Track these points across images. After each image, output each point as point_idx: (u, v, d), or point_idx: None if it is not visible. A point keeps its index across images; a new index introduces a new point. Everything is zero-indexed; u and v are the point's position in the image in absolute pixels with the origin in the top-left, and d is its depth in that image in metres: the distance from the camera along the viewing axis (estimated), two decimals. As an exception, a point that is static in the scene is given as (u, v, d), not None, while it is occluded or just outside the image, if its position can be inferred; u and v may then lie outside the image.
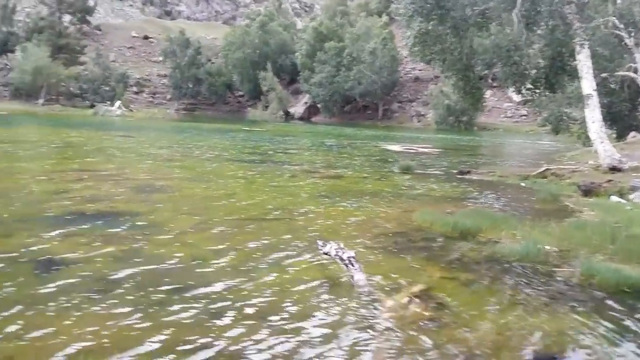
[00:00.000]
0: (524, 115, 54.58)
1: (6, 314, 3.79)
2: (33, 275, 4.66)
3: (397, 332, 3.80)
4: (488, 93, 49.80)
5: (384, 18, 60.64)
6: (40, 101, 53.42)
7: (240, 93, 70.45)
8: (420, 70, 64.90)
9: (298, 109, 63.88)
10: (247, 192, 9.92)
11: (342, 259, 4.89)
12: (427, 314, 4.06)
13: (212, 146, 20.32)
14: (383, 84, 57.82)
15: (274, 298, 4.34)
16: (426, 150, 22.85)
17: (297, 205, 8.52)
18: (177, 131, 30.58)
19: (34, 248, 5.42)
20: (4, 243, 5.53)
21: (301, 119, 61.43)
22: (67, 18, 70.76)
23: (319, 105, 61.51)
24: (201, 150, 18.27)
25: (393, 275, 5.00)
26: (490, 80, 20.96)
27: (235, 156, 16.92)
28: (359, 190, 10.55)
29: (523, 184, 12.46)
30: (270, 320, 3.89)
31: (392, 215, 7.99)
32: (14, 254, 5.15)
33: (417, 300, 4.25)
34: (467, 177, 13.55)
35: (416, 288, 4.53)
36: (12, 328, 3.58)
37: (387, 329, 3.84)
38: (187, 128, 33.47)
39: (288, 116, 61.68)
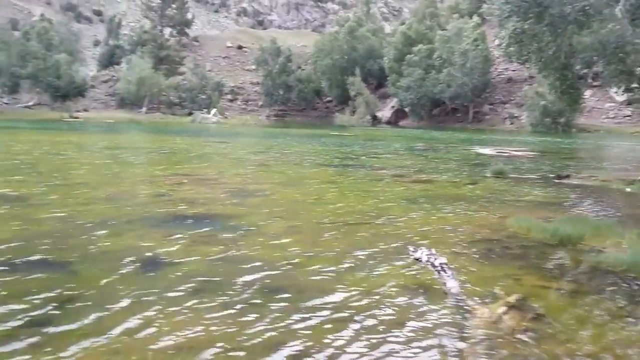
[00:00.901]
0: (627, 116, 50.90)
1: (114, 309, 4.09)
2: (139, 273, 4.98)
3: (493, 343, 3.68)
4: (587, 93, 47.00)
5: (476, 19, 59.04)
6: (143, 110, 57.02)
7: (329, 99, 71.30)
8: (513, 70, 62.48)
9: (385, 113, 63.62)
10: (337, 197, 10.01)
11: (434, 266, 4.82)
12: (525, 324, 3.90)
13: (302, 151, 20.73)
14: (474, 85, 56.26)
15: (364, 303, 4.35)
16: (520, 153, 21.93)
17: (387, 210, 8.48)
18: (269, 137, 31.46)
19: (140, 248, 5.78)
20: (114, 242, 5.96)
21: (388, 123, 61.12)
22: (167, 31, 75.13)
23: (406, 109, 60.92)
24: (292, 155, 18.69)
25: (487, 284, 4.85)
26: (590, 80, 19.81)
27: (325, 161, 17.14)
28: (450, 195, 10.32)
29: (629, 190, 11.62)
30: (361, 325, 3.90)
31: (485, 221, 7.75)
32: (123, 253, 5.53)
33: (513, 310, 4.09)
34: (565, 181, 12.85)
35: (512, 297, 4.36)
36: (119, 323, 3.84)
37: (482, 339, 3.73)
38: (278, 134, 34.35)
39: (375, 120, 61.59)
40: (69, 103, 54.07)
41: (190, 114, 55.75)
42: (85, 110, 55.59)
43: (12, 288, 4.42)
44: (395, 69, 60.57)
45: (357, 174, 13.50)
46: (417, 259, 5.08)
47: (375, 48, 67.29)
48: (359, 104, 61.73)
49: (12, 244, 5.70)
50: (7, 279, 4.65)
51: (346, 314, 4.10)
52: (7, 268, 4.91)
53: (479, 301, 4.37)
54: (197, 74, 63.33)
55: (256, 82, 71.47)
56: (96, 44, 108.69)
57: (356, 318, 4.03)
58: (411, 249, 5.31)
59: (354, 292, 4.57)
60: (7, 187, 9.48)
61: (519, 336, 3.75)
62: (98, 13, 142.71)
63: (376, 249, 6.00)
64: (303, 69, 70.87)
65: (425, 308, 4.28)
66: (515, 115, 55.86)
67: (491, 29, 60.38)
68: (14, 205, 7.82)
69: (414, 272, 5.15)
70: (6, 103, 57.20)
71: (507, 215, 8.09)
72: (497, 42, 59.49)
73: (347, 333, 3.76)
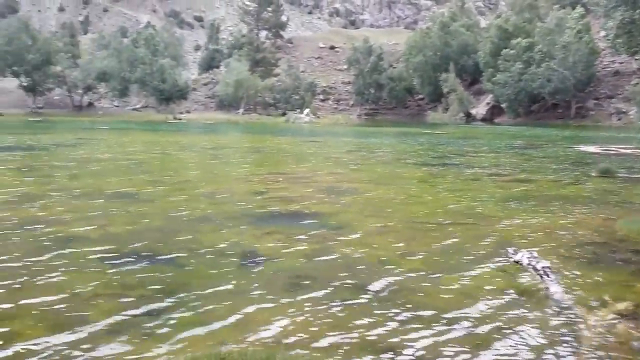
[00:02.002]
0: None
1: (217, 301, 4.28)
2: (240, 267, 5.18)
3: (603, 353, 3.46)
4: None
5: (579, 9, 55.56)
6: (240, 111, 59.19)
7: (420, 96, 70.19)
8: (620, 63, 58.14)
9: (480, 110, 61.57)
10: (430, 196, 9.85)
11: (535, 269, 4.61)
12: (638, 334, 3.63)
13: (394, 150, 20.59)
14: (577, 79, 52.96)
15: (460, 305, 4.25)
16: (629, 151, 20.37)
17: (483, 210, 8.22)
18: (360, 136, 31.52)
19: (240, 243, 6.02)
20: (215, 238, 6.25)
21: (483, 120, 59.08)
22: (263, 34, 77.45)
23: (502, 106, 58.57)
24: (383, 153, 18.62)
25: (595, 290, 4.56)
26: None
27: (416, 159, 16.91)
28: (550, 195, 9.81)
29: None
30: (456, 328, 3.81)
31: (591, 224, 7.28)
32: (224, 248, 5.79)
33: (625, 318, 3.82)
34: (684, 182, 11.78)
35: (623, 305, 4.08)
36: (221, 315, 4.02)
37: (591, 348, 3.51)
38: (369, 132, 34.32)
39: (469, 118, 59.78)
40: (172, 105, 57.32)
41: (284, 114, 57.18)
42: (188, 112, 58.66)
43: (124, 279, 4.76)
44: (491, 64, 58.46)
45: (451, 173, 13.20)
46: (517, 262, 4.88)
47: (469, 43, 65.33)
48: (452, 101, 60.22)
49: (124, 238, 6.14)
50: (120, 270, 5.01)
51: (443, 317, 4.02)
52: (119, 260, 5.30)
53: (586, 308, 4.12)
54: (290, 75, 64.78)
55: (347, 81, 71.85)
56: (197, 48, 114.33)
57: (451, 320, 3.95)
58: (510, 251, 5.11)
59: (450, 295, 4.49)
60: (119, 185, 10.22)
61: (632, 346, 3.50)
62: (199, 19, 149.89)
63: (472, 251, 5.84)
64: (395, 67, 70.28)
65: (526, 314, 4.10)
66: (623, 110, 51.91)
67: (596, 20, 56.66)
68: (125, 202, 8.42)
69: (513, 276, 4.95)
70: (117, 106, 61.66)
71: (615, 217, 7.57)
72: (602, 33, 55.82)
73: (442, 335, 3.70)
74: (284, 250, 5.72)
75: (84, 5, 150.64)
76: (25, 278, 4.66)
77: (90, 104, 59.12)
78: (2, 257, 5.26)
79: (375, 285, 4.65)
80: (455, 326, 3.85)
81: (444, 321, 3.93)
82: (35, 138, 23.08)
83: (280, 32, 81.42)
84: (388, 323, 3.88)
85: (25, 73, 54.99)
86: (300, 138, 28.18)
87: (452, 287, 4.67)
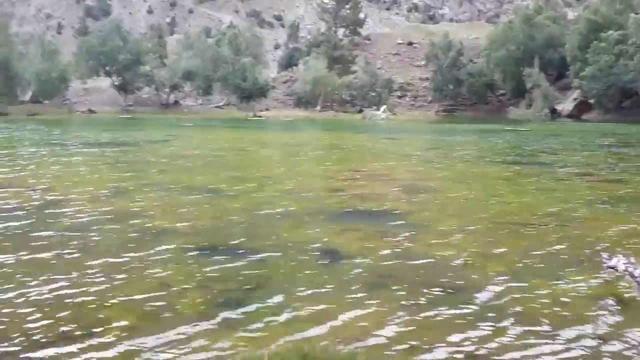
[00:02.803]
0: None
1: (297, 295, 4.35)
2: (318, 263, 5.24)
3: None
4: None
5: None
6: (318, 108, 59.72)
7: (502, 92, 67.65)
8: None
9: (566, 106, 58.46)
10: (513, 195, 9.50)
11: (633, 276, 4.34)
12: None
13: (475, 147, 20.03)
14: (678, 73, 49.01)
15: (549, 311, 4.06)
16: None
17: (570, 211, 7.83)
18: (439, 133, 30.91)
19: (319, 239, 6.08)
20: (295, 234, 6.36)
21: (569, 116, 56.08)
22: (341, 31, 77.69)
23: (591, 101, 55.27)
24: (462, 151, 18.15)
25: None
26: None
27: (497, 157, 16.36)
28: (648, 198, 9.19)
29: None
30: (546, 334, 3.66)
31: (696, 229, 6.76)
32: (303, 244, 5.87)
33: None
34: None
35: None
36: (301, 309, 4.08)
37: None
38: (448, 129, 33.59)
39: (554, 114, 56.93)
40: (253, 103, 58.75)
41: (360, 111, 57.09)
42: (267, 109, 59.89)
43: (211, 272, 4.93)
44: (578, 58, 55.29)
45: (537, 172, 12.66)
46: (611, 268, 4.61)
47: (555, 36, 62.11)
48: (535, 96, 57.57)
49: (211, 232, 6.38)
50: (207, 263, 5.19)
51: (531, 326, 3.84)
52: (206, 254, 5.50)
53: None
54: (367, 71, 64.52)
55: (425, 77, 70.54)
56: (276, 47, 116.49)
57: (540, 325, 3.79)
58: (605, 256, 4.83)
59: (537, 300, 4.30)
60: (205, 181, 10.62)
61: None
62: (278, 18, 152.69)
63: (561, 254, 5.58)
64: (475, 62, 68.16)
65: (623, 323, 3.86)
66: None
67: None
68: (211, 197, 8.75)
69: (606, 282, 4.69)
70: (200, 104, 64.00)
71: None
72: None
73: (529, 339, 3.55)
74: (364, 249, 5.72)
75: (171, 7, 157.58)
76: (121, 269, 4.94)
77: (176, 102, 61.74)
78: (99, 249, 5.62)
79: (459, 288, 4.55)
80: (542, 330, 3.69)
81: (533, 329, 3.77)
82: (126, 135, 24.45)
83: (358, 29, 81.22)
84: (473, 328, 3.77)
85: (117, 73, 58.24)
86: (377, 135, 28.04)
87: (542, 293, 4.46)
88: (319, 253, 5.54)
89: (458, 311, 4.03)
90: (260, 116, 51.90)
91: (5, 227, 6.37)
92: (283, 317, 3.91)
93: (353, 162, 15.14)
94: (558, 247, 5.85)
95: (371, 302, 4.22)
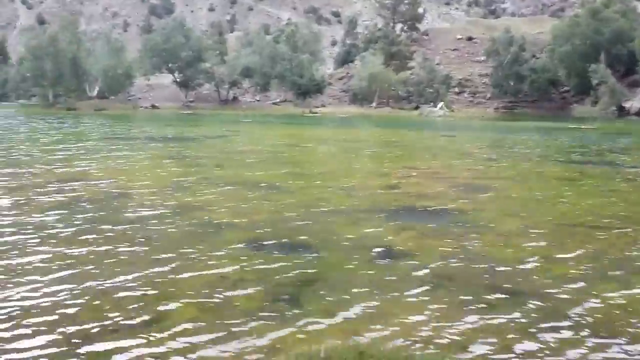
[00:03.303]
0: None
1: (351, 294, 4.33)
2: (374, 262, 5.21)
3: None
4: None
5: None
6: (373, 104, 59.42)
7: (565, 89, 65.08)
8: None
9: (635, 103, 55.52)
10: (577, 196, 9.13)
11: None
12: None
13: (536, 145, 19.38)
14: None
15: (623, 322, 3.86)
16: None
17: (641, 215, 7.46)
18: (498, 130, 30.10)
19: (374, 237, 6.06)
20: (350, 231, 6.35)
21: (638, 114, 53.31)
22: (399, 27, 76.90)
23: (664, 99, 52.28)
24: (523, 149, 17.61)
25: None
26: None
27: (561, 156, 15.77)
28: None
29: None
30: (618, 347, 3.49)
31: None
32: (358, 241, 5.86)
33: None
34: None
35: None
36: (355, 308, 4.06)
37: None
38: (508, 127, 32.65)
39: (622, 112, 54.23)
40: (309, 99, 59.18)
41: (417, 107, 56.40)
42: (323, 105, 60.14)
43: (267, 266, 5.00)
44: (650, 53, 52.48)
45: (601, 172, 12.13)
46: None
47: (624, 31, 59.06)
48: (602, 93, 55.02)
49: (267, 227, 6.46)
50: (263, 257, 5.28)
51: (602, 335, 3.69)
52: (262, 248, 5.59)
53: None
54: (425, 67, 63.59)
55: (485, 73, 68.79)
56: (333, 43, 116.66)
57: (615, 341, 3.58)
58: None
59: (609, 309, 4.11)
60: (262, 176, 10.79)
61: None
62: (336, 14, 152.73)
63: (630, 260, 5.32)
64: (537, 58, 65.90)
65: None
66: None
67: None
68: (268, 192, 8.87)
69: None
70: (258, 100, 65.05)
71: None
72: None
73: (599, 348, 3.42)
74: (419, 247, 5.66)
75: (231, 4, 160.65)
76: (182, 262, 5.09)
77: (234, 98, 62.99)
78: (161, 242, 5.80)
79: (521, 292, 4.40)
80: (618, 346, 3.52)
81: (604, 341, 3.60)
82: (187, 130, 25.16)
83: (416, 24, 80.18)
84: (535, 336, 3.64)
85: (179, 69, 60.05)
86: (434, 132, 27.62)
87: (614, 301, 4.25)
88: (375, 251, 5.52)
89: (519, 316, 3.91)
90: (316, 112, 52.15)
91: (74, 219, 6.69)
92: (339, 315, 3.91)
93: (409, 159, 14.98)
94: (630, 252, 5.58)
95: (428, 302, 4.16)
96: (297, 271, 4.84)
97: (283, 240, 5.89)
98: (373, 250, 5.53)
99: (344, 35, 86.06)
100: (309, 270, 4.87)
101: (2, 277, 4.54)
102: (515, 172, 12.22)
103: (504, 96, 65.51)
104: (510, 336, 3.59)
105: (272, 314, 3.89)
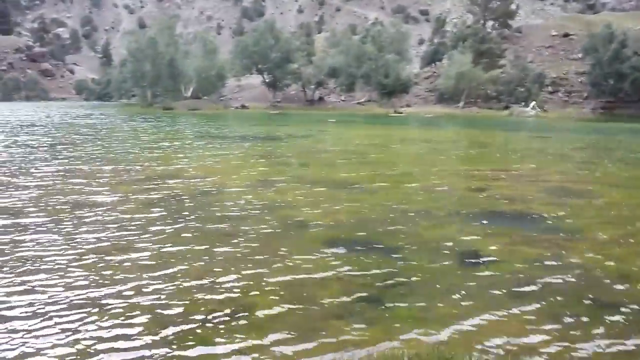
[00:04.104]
0: None
1: (437, 299, 4.30)
2: (459, 266, 5.12)
3: None
4: None
5: None
6: (460, 104, 57.96)
7: (675, 87, 60.05)
8: None
9: None
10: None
11: None
12: None
13: (636, 148, 18.11)
14: None
15: None
16: None
17: None
18: (594, 132, 28.35)
19: (460, 241, 5.95)
20: (435, 233, 6.29)
21: None
22: (489, 24, 74.49)
23: None
24: (621, 152, 16.53)
25: None
26: None
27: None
28: None
29: None
30: None
31: None
32: (443, 245, 5.79)
33: None
34: None
35: None
36: (441, 314, 4.04)
37: None
38: (606, 128, 30.70)
39: None
40: (394, 99, 58.75)
41: (506, 107, 54.36)
42: (408, 105, 59.47)
43: (349, 266, 5.07)
44: None
45: None
46: None
47: None
48: None
49: (350, 226, 6.54)
50: (346, 257, 5.35)
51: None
52: (345, 247, 5.66)
53: None
54: (517, 65, 61.08)
55: (582, 72, 64.96)
56: (420, 42, 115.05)
57: None
58: None
59: None
60: (345, 175, 10.88)
61: None
62: (424, 12, 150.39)
63: None
64: (641, 55, 61.39)
65: None
66: None
67: None
68: (350, 192, 8.96)
69: None
70: (343, 100, 65.45)
71: None
72: None
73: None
74: (507, 254, 5.50)
75: (319, 5, 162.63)
76: (267, 257, 5.27)
77: (320, 99, 63.77)
78: (248, 237, 6.02)
79: (613, 303, 4.19)
80: None
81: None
82: (274, 129, 25.81)
83: (508, 21, 77.24)
84: (627, 350, 3.49)
85: (268, 70, 61.65)
86: (525, 133, 26.50)
87: None
88: (459, 255, 5.43)
89: (609, 328, 3.74)
90: (400, 112, 51.70)
91: (172, 216, 7.09)
92: (421, 318, 3.91)
93: (499, 161, 14.52)
94: None
95: (514, 310, 4.06)
96: (381, 272, 4.86)
97: (367, 240, 5.93)
98: (458, 254, 5.45)
99: (431, 33, 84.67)
100: (393, 272, 4.88)
101: (106, 272, 4.91)
102: (612, 176, 11.52)
103: (602, 95, 61.59)
104: (597, 349, 3.45)
105: (354, 314, 3.95)
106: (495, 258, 5.35)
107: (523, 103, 53.80)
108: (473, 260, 5.29)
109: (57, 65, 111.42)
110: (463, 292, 4.42)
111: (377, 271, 4.89)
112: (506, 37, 74.96)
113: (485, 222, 6.88)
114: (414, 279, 4.74)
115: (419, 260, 5.24)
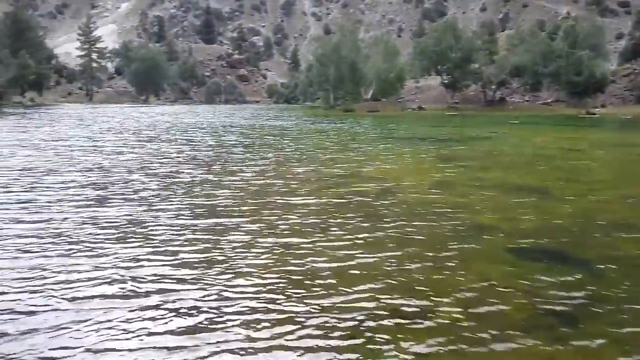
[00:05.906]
0: None
1: (636, 320, 3.92)
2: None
3: None
4: None
5: None
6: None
7: None
8: None
9: None
10: None
11: None
12: None
13: None
14: None
15: None
16: None
17: None
18: None
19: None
20: (635, 248, 5.64)
21: None
22: None
23: None
24: None
25: None
26: None
27: None
28: None
29: None
30: None
31: None
32: (617, 259, 5.23)
33: None
34: None
35: None
36: (635, 334, 3.69)
37: None
38: None
39: None
40: (586, 99, 53.62)
41: None
42: (603, 106, 53.79)
43: (536, 277, 4.74)
44: None
45: None
46: None
47: None
48: None
49: (535, 234, 6.11)
50: (531, 266, 5.02)
51: None
52: (530, 256, 5.32)
53: None
54: None
55: None
56: (619, 37, 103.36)
57: None
58: None
59: None
60: (528, 180, 10.26)
61: None
62: (624, 4, 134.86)
63: None
64: None
65: None
66: None
67: None
68: (535, 197, 8.39)
69: None
70: (527, 100, 61.53)
71: None
72: None
73: None
74: None
75: (504, 2, 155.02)
76: (445, 259, 5.17)
77: (501, 99, 60.66)
78: (427, 240, 5.96)
79: None
80: None
81: None
82: (452, 131, 25.27)
83: None
84: None
85: (447, 71, 60.38)
86: None
87: None
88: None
89: None
90: (594, 113, 46.98)
91: (352, 216, 7.31)
92: (623, 340, 3.55)
93: None
94: None
95: None
96: (571, 287, 4.48)
97: (553, 250, 5.53)
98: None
99: (631, 27, 75.34)
100: (586, 288, 4.47)
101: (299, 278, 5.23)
102: None
103: None
104: None
105: (544, 331, 3.70)
106: None
107: None
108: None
109: (252, 71, 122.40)
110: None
111: (567, 284, 4.52)
112: None
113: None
114: (612, 297, 4.27)
115: (618, 278, 4.72)
